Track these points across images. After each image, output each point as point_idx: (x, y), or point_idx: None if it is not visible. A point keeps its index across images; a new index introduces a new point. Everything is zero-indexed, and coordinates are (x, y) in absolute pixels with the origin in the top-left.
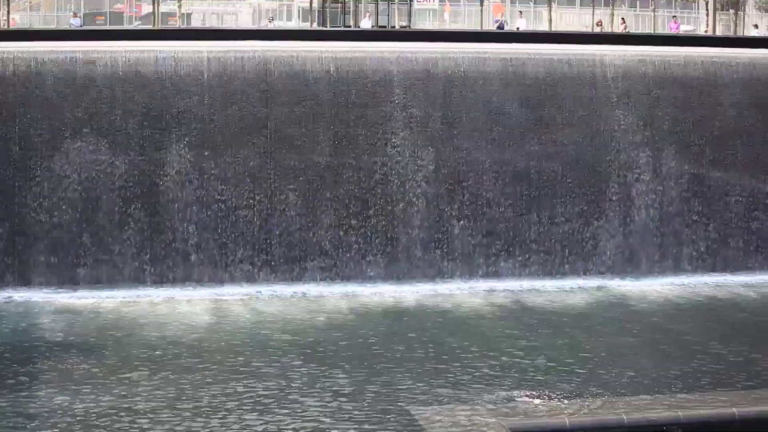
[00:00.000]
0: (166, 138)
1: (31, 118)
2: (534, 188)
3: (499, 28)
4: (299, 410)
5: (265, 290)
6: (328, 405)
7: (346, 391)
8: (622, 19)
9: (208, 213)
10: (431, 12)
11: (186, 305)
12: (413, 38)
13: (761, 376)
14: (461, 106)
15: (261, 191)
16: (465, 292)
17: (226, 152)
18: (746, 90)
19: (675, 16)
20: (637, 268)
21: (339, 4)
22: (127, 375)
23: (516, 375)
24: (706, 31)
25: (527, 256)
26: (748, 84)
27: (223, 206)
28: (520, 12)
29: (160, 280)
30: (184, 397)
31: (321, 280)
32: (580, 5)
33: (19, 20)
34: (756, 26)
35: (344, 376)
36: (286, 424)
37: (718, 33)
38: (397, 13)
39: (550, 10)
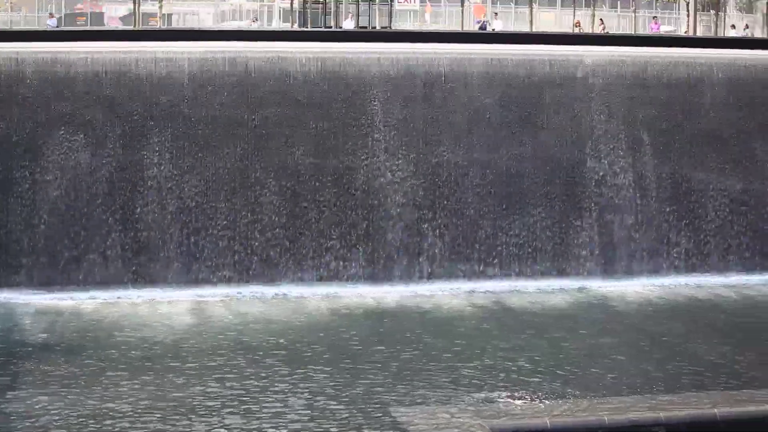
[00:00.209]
0: (146, 139)
1: (11, 118)
2: (515, 189)
3: (481, 28)
4: (280, 411)
5: (246, 291)
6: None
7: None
8: (600, 20)
9: (189, 213)
10: (412, 13)
11: (167, 306)
12: (394, 39)
13: (743, 377)
14: (442, 107)
15: (242, 192)
16: (446, 293)
17: (207, 153)
18: (727, 91)
19: (656, 17)
20: (618, 270)
21: (320, 5)
22: (108, 375)
23: (497, 376)
24: (686, 32)
25: (508, 257)
26: (728, 85)
27: (204, 207)
28: (496, 13)
29: (140, 282)
30: (165, 398)
31: (301, 280)
32: (561, 6)
33: None
34: (733, 27)
35: (325, 377)
36: (268, 426)
37: (699, 34)
38: (377, 14)
39: (531, 11)
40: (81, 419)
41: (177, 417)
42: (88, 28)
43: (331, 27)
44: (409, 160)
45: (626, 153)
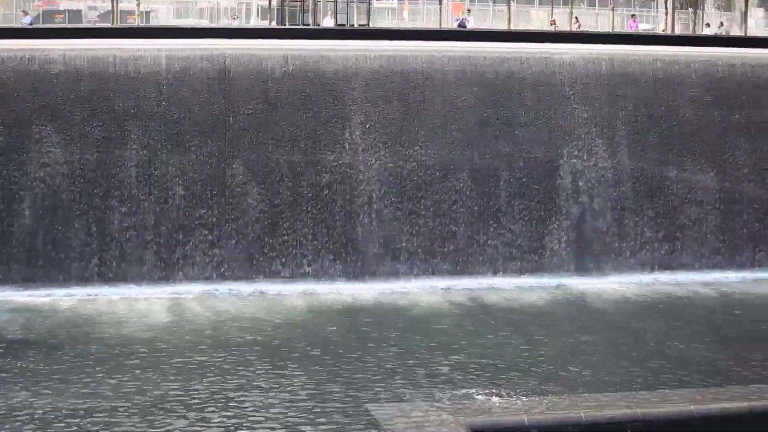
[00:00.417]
0: (124, 136)
1: None
2: (492, 186)
3: (460, 26)
4: (258, 408)
5: (223, 288)
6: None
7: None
8: (575, 17)
9: (168, 211)
10: (390, 10)
11: (144, 303)
12: (373, 36)
13: (720, 374)
14: (420, 104)
15: (219, 189)
16: (423, 290)
17: (185, 150)
18: (704, 88)
19: (634, 15)
20: (594, 267)
21: (298, 3)
22: (87, 372)
23: (474, 373)
24: (664, 30)
25: (485, 253)
26: (706, 82)
27: (182, 204)
28: (468, 10)
29: (118, 279)
30: (144, 394)
31: (279, 277)
32: (539, 4)
33: None
34: (708, 25)
35: (303, 374)
36: (245, 422)
37: (677, 32)
38: (356, 12)
39: (509, 9)
40: (59, 416)
41: (155, 413)
42: (65, 25)
43: (309, 24)
44: (387, 157)
45: (603, 150)
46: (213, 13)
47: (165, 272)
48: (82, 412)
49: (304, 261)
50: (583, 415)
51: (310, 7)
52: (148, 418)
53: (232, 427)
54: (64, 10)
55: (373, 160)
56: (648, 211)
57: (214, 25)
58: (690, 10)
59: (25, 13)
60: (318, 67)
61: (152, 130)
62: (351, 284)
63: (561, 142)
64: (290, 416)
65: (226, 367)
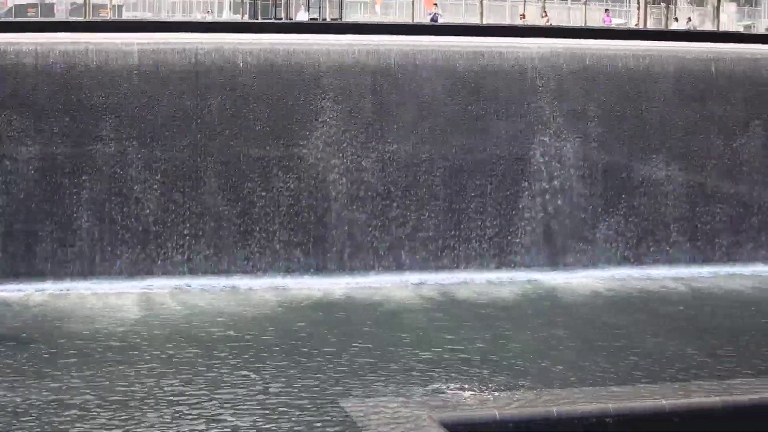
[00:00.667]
0: (96, 130)
1: None
2: (463, 180)
3: (432, 20)
4: (229, 403)
5: (195, 283)
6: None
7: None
8: (545, 11)
9: (138, 205)
10: (362, 4)
11: (115, 298)
12: (345, 31)
13: (692, 369)
14: (392, 98)
15: (190, 183)
16: (394, 285)
17: (157, 144)
18: (676, 83)
19: (608, 10)
20: (567, 261)
21: None
22: (57, 367)
23: (446, 368)
24: (636, 24)
25: (456, 248)
26: (677, 77)
27: (153, 198)
28: (435, 4)
29: (89, 273)
30: (114, 389)
31: (251, 272)
32: None
33: None
34: (677, 19)
35: (274, 368)
36: (217, 418)
37: (650, 26)
38: (328, 6)
39: (482, 3)
40: (32, 410)
41: (127, 408)
42: (37, 19)
43: (281, 19)
44: (358, 151)
45: (574, 145)
46: (185, 6)
47: (137, 267)
48: (54, 406)
49: (276, 256)
50: (555, 409)
51: (282, 1)
52: (120, 412)
53: (203, 422)
54: (37, 4)
55: (345, 155)
56: (620, 205)
57: (186, 19)
58: (662, 4)
59: None
60: (290, 61)
61: (124, 124)
62: (322, 279)
63: (532, 136)
64: (261, 411)
65: (197, 361)
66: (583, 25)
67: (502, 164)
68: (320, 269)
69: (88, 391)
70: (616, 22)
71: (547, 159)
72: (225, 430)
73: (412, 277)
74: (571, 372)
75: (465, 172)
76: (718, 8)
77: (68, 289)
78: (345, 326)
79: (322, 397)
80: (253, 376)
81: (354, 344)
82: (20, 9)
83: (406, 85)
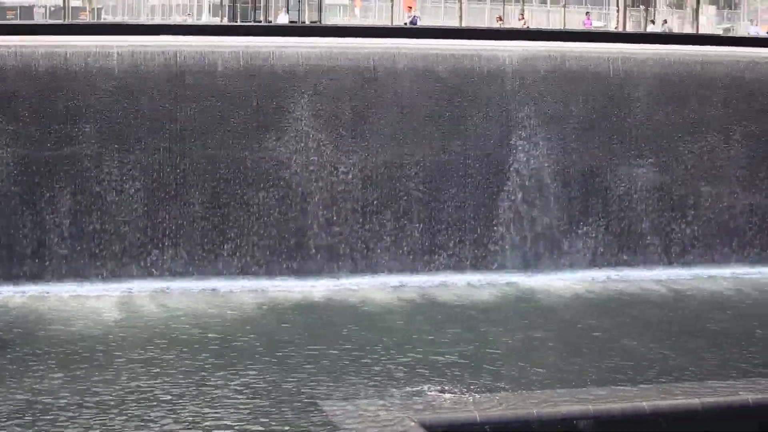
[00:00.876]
0: (75, 133)
1: None
2: (442, 182)
3: (411, 23)
4: (209, 405)
5: (174, 286)
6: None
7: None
8: (521, 14)
9: (117, 208)
10: (341, 7)
11: (95, 301)
12: (324, 33)
13: (672, 371)
14: (371, 101)
15: (169, 186)
16: (373, 288)
17: (136, 147)
18: (655, 86)
19: (588, 13)
20: (547, 264)
21: (249, 0)
22: (36, 369)
23: (426, 370)
24: (616, 27)
25: (435, 250)
26: (657, 80)
27: (131, 200)
28: (410, 7)
29: (69, 276)
30: (94, 392)
31: (230, 275)
32: (491, 1)
33: None
34: (653, 22)
35: (254, 371)
36: (196, 421)
37: (629, 29)
38: (307, 9)
39: (461, 6)
40: (11, 413)
41: (106, 410)
42: (17, 21)
43: (260, 21)
44: (338, 153)
45: (553, 148)
46: (165, 10)
47: (116, 269)
48: (33, 408)
49: (254, 258)
50: (535, 411)
51: (261, 4)
52: (99, 415)
53: (182, 425)
54: (16, 7)
55: (324, 157)
56: (599, 208)
57: (165, 22)
58: (642, 7)
59: None
60: (269, 64)
61: (103, 127)
62: (301, 281)
63: (510, 139)
64: (241, 414)
65: (177, 363)
66: (562, 28)
67: (480, 166)
68: (300, 271)
69: (67, 393)
70: (596, 25)
71: (525, 161)
72: None
73: (392, 280)
74: (551, 374)
75: (443, 173)
76: (697, 11)
77: (48, 292)
78: (325, 329)
79: (302, 400)
80: (232, 378)
81: (334, 346)
82: None
83: (386, 88)
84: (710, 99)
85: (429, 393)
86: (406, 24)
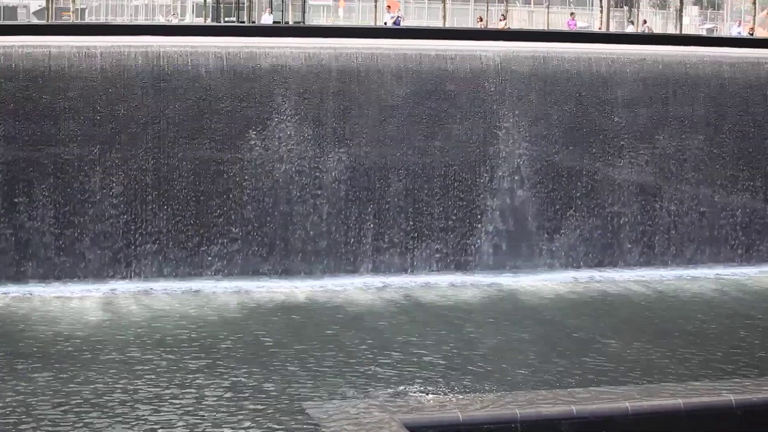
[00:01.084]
0: (55, 133)
1: None
2: (425, 183)
3: (395, 24)
4: (192, 406)
5: (157, 286)
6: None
7: (238, 387)
8: (502, 15)
9: (100, 208)
10: (325, 8)
11: (78, 302)
12: (308, 34)
13: (655, 372)
14: (354, 101)
15: (152, 186)
16: (357, 288)
17: (117, 147)
18: (638, 86)
19: (573, 13)
20: (529, 264)
21: (233, 0)
22: (18, 370)
23: (409, 370)
24: (600, 28)
25: (418, 251)
26: (640, 80)
27: (114, 201)
28: (389, 6)
29: (52, 277)
30: (77, 392)
31: (213, 276)
32: (475, 1)
33: None
34: (632, 22)
35: (237, 372)
36: (179, 421)
37: (612, 29)
38: (290, 9)
39: (444, 6)
40: None
41: (89, 411)
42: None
43: (244, 22)
44: (321, 153)
45: (535, 147)
46: (148, 10)
47: (99, 270)
48: (16, 410)
49: (238, 259)
50: (518, 412)
51: (245, 5)
52: (82, 416)
53: (165, 426)
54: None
55: (307, 157)
56: (582, 208)
57: (149, 23)
58: (625, 8)
59: None
60: (252, 65)
61: (87, 127)
62: (284, 282)
63: (493, 139)
64: (224, 415)
65: (160, 364)
66: (545, 28)
67: (462, 166)
68: (283, 272)
69: (50, 394)
70: (580, 26)
71: (508, 161)
72: None
73: (375, 280)
74: (534, 374)
75: (426, 174)
76: (680, 11)
77: (30, 293)
78: (308, 329)
79: (285, 400)
80: (216, 379)
81: (317, 347)
82: None
83: (369, 88)
84: (694, 99)
85: (412, 393)
86: (385, 24)
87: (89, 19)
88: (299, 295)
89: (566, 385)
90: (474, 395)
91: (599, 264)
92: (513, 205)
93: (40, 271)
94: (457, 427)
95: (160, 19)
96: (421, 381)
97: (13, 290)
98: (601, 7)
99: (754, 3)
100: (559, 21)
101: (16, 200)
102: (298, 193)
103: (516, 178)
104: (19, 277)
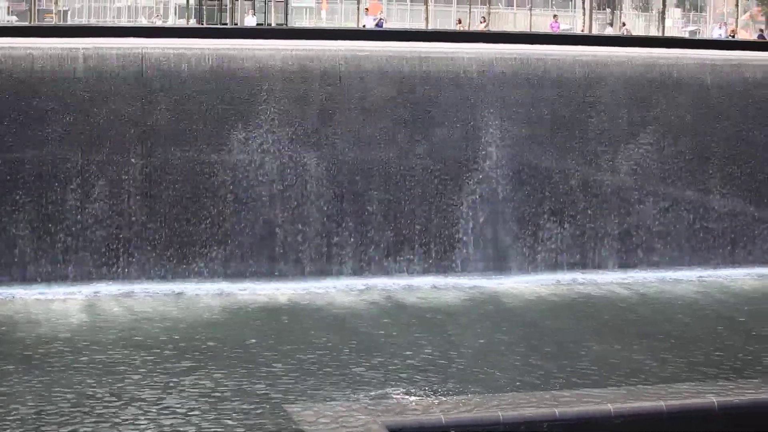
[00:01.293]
0: (36, 135)
1: None
2: (407, 185)
3: (377, 26)
4: (175, 408)
5: (139, 289)
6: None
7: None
8: (483, 17)
9: (82, 210)
10: (308, 10)
11: (61, 304)
12: (290, 36)
13: (638, 374)
14: (337, 104)
15: (135, 188)
16: (339, 290)
17: (99, 150)
18: (620, 89)
19: (556, 15)
20: (511, 266)
21: (216, 2)
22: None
23: (392, 372)
24: (582, 30)
25: (400, 254)
26: (622, 83)
27: (97, 204)
28: (367, 9)
29: (34, 280)
30: (59, 395)
31: (197, 277)
32: (457, 3)
33: None
34: (611, 24)
35: (219, 374)
36: (162, 424)
37: (595, 32)
38: (273, 11)
39: (427, 8)
40: None
41: (72, 414)
42: None
43: (226, 24)
44: (303, 156)
45: (517, 150)
46: (131, 12)
47: (81, 273)
48: None
49: (220, 261)
50: (500, 414)
51: (228, 7)
52: (65, 418)
53: (148, 427)
54: None
55: (289, 159)
56: (563, 210)
57: (132, 24)
58: (608, 10)
59: None
60: (236, 66)
61: (68, 130)
62: (267, 284)
63: (475, 141)
64: (207, 416)
65: (143, 367)
66: (528, 30)
67: (444, 169)
68: (265, 275)
69: (31, 397)
70: (563, 28)
71: (489, 164)
72: None
73: (357, 282)
74: (517, 376)
75: (407, 176)
76: (663, 14)
77: (13, 296)
78: (290, 331)
79: (267, 402)
80: (198, 381)
81: (299, 349)
82: None
83: (351, 90)
84: (677, 101)
85: (395, 396)
86: (364, 26)
87: (72, 20)
88: (281, 297)
89: (549, 388)
90: (457, 398)
91: (582, 266)
92: (494, 206)
93: (23, 273)
94: (440, 429)
95: (143, 21)
96: (404, 383)
97: None
98: (584, 9)
99: (737, 5)
100: (544, 24)
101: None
102: (281, 195)
103: (497, 180)
104: (1, 280)
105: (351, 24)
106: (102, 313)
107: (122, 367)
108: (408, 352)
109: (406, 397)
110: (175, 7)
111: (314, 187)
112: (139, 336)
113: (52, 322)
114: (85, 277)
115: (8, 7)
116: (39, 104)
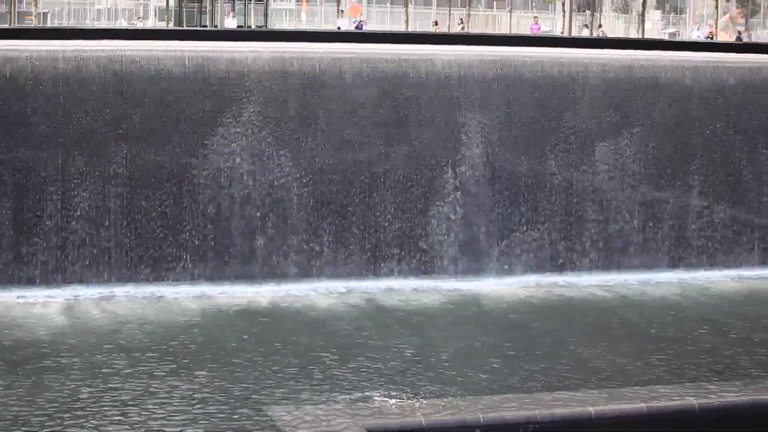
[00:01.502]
0: (15, 138)
1: None
2: (386, 187)
3: (357, 28)
4: (155, 412)
5: (119, 291)
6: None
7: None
8: (461, 19)
9: (61, 213)
10: (288, 12)
11: (41, 307)
12: (270, 38)
13: (618, 375)
14: (316, 106)
15: (115, 191)
16: (319, 293)
17: (78, 152)
18: (600, 90)
19: (536, 17)
20: (491, 269)
21: (196, 4)
22: None
23: (372, 375)
24: (562, 32)
25: (381, 257)
26: (603, 85)
27: (79, 206)
28: (342, 11)
29: (13, 282)
30: (41, 398)
31: (177, 281)
32: (437, 6)
33: None
34: (587, 26)
35: (199, 376)
36: (140, 427)
37: (574, 34)
38: (253, 13)
39: (407, 11)
40: None
41: (52, 417)
42: None
43: (206, 26)
44: (282, 158)
45: (496, 152)
46: (111, 14)
47: (61, 275)
48: None
49: (199, 264)
50: (481, 416)
51: (208, 9)
52: (46, 422)
53: (129, 430)
54: None
55: (268, 162)
56: (544, 212)
57: (111, 27)
58: (588, 12)
59: None
60: (216, 68)
61: (48, 132)
62: (247, 287)
63: (454, 143)
64: (187, 419)
65: (123, 370)
66: (508, 32)
67: (424, 171)
68: (245, 277)
69: (12, 400)
70: (543, 30)
71: (468, 166)
72: None
73: (338, 285)
74: (497, 379)
75: (387, 178)
76: (643, 16)
77: None
78: (271, 334)
79: (248, 404)
80: (178, 384)
81: (280, 352)
82: None
83: (331, 92)
84: (656, 102)
85: (375, 398)
86: (339, 28)
87: (52, 23)
88: (262, 300)
89: (530, 390)
90: (438, 400)
91: (562, 268)
92: (473, 209)
93: (2, 277)
94: (420, 431)
95: (123, 23)
96: (384, 386)
97: None
98: (564, 11)
99: (716, 7)
100: (524, 26)
101: None
102: (261, 198)
103: (476, 182)
104: None
105: (330, 26)
106: (82, 316)
107: (102, 371)
108: (389, 355)
109: (387, 399)
110: (155, 10)
111: (294, 188)
112: (120, 339)
113: (31, 325)
114: (66, 279)
115: None
116: (17, 106)
